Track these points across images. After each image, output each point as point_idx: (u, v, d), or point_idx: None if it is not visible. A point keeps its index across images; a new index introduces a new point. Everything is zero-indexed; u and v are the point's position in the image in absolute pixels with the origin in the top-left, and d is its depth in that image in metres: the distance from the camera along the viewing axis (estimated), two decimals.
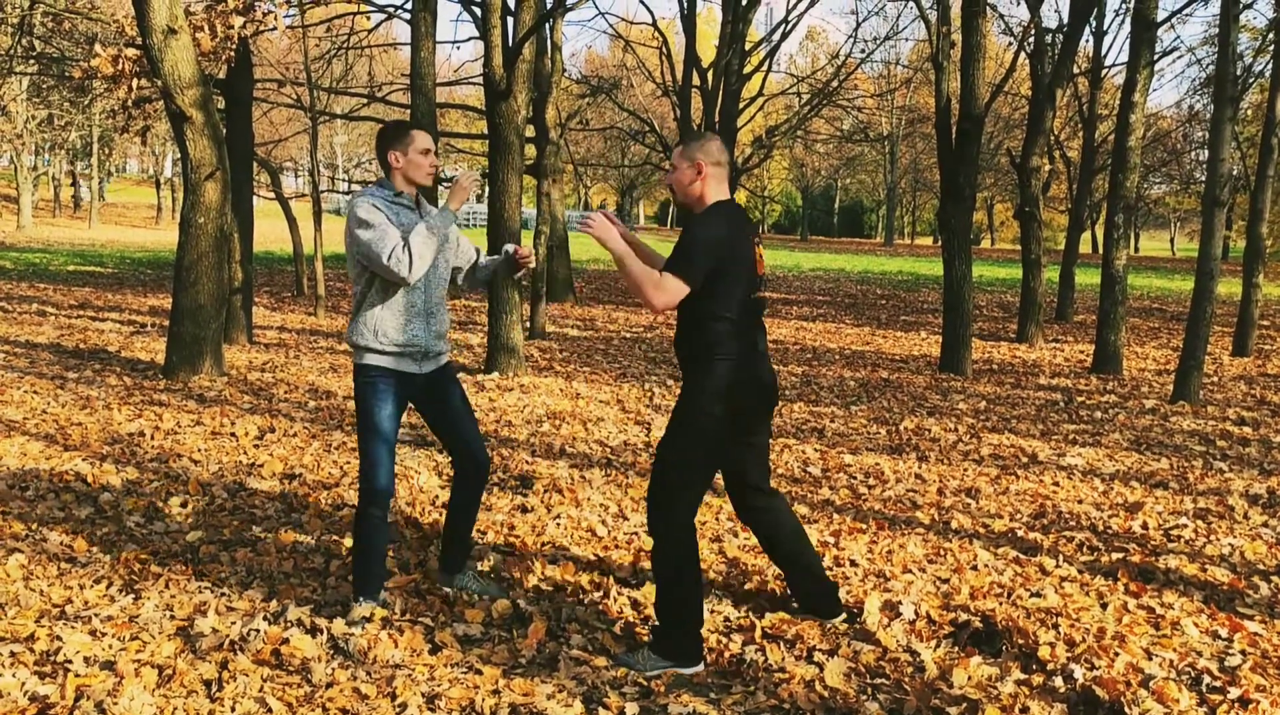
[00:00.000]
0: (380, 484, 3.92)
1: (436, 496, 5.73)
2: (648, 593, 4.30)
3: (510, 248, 4.23)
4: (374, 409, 3.93)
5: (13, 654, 3.56)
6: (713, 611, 4.15)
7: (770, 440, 4.12)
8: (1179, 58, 29.21)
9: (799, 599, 4.15)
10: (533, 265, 4.24)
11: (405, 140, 3.93)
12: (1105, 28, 17.74)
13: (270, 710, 3.26)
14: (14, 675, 3.39)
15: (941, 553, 5.00)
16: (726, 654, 3.82)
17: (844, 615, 4.12)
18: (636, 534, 5.17)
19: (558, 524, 5.28)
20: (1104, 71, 18.54)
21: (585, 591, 4.36)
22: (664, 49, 20.04)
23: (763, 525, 4.04)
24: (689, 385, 3.72)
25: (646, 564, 4.71)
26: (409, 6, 13.69)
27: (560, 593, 4.34)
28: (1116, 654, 3.79)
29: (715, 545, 5.01)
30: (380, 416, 3.93)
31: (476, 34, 15.34)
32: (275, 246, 31.46)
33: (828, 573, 4.61)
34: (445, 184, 16.78)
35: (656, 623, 3.73)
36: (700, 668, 3.67)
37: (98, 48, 10.83)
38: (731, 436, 3.75)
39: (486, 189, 11.21)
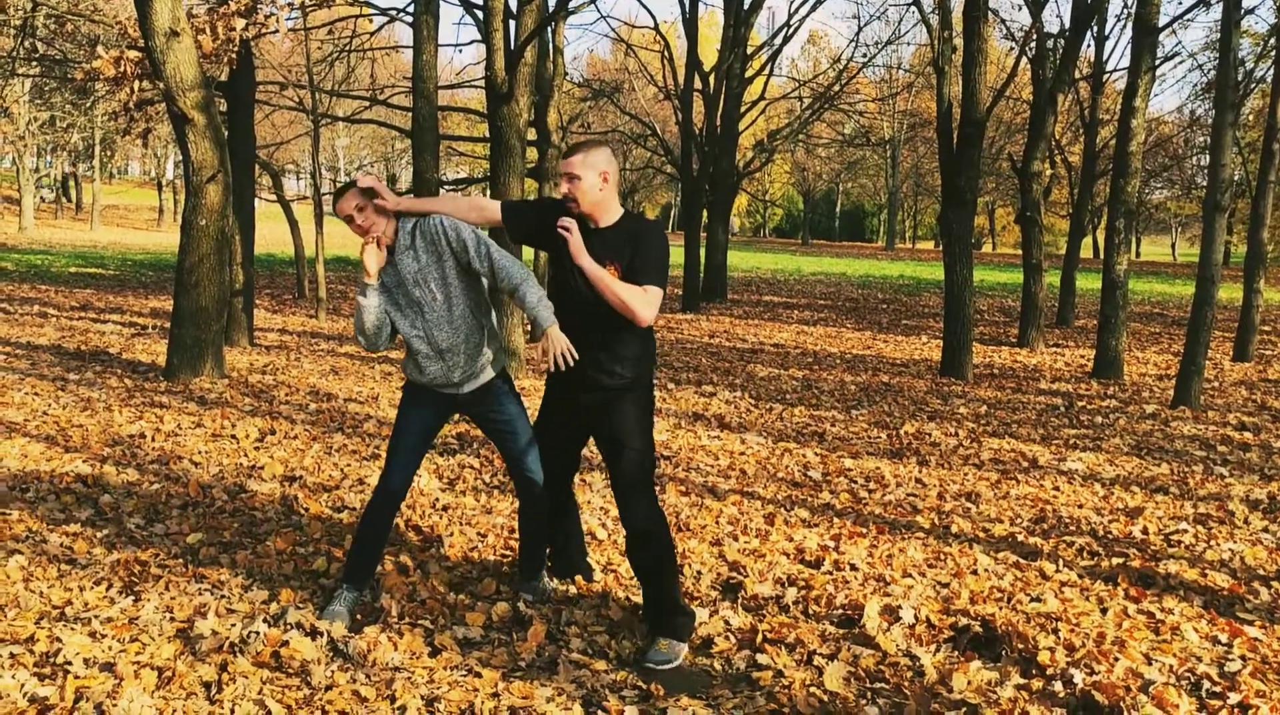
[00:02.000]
0: (390, 484, 4.01)
1: (437, 500, 5.73)
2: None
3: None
4: (401, 414, 4.07)
5: (12, 655, 3.56)
6: (713, 615, 4.15)
7: None
8: (1180, 63, 29.28)
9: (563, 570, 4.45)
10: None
11: (340, 208, 3.89)
12: (1107, 33, 17.76)
13: (270, 712, 3.26)
14: (14, 677, 3.39)
15: (941, 557, 5.00)
16: (726, 657, 3.81)
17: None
18: None
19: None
20: (1105, 76, 18.56)
21: (584, 595, 4.36)
22: (666, 53, 20.07)
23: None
24: (637, 384, 3.82)
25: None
26: (411, 9, 13.69)
27: (559, 595, 4.34)
28: (1116, 659, 3.78)
29: (715, 548, 5.01)
30: (404, 421, 4.05)
31: (478, 37, 15.34)
32: (277, 249, 31.49)
33: (827, 576, 4.62)
34: (448, 187, 16.79)
35: (667, 612, 3.82)
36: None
37: (100, 50, 10.84)
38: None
39: (488, 192, 11.20)
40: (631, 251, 3.68)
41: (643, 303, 3.63)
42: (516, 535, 4.38)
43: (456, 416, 4.25)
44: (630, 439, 3.78)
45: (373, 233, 3.86)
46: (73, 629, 3.79)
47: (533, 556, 4.30)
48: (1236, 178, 19.34)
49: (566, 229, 3.68)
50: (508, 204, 4.01)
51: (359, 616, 4.06)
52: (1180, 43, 18.00)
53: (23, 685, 3.35)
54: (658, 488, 6.16)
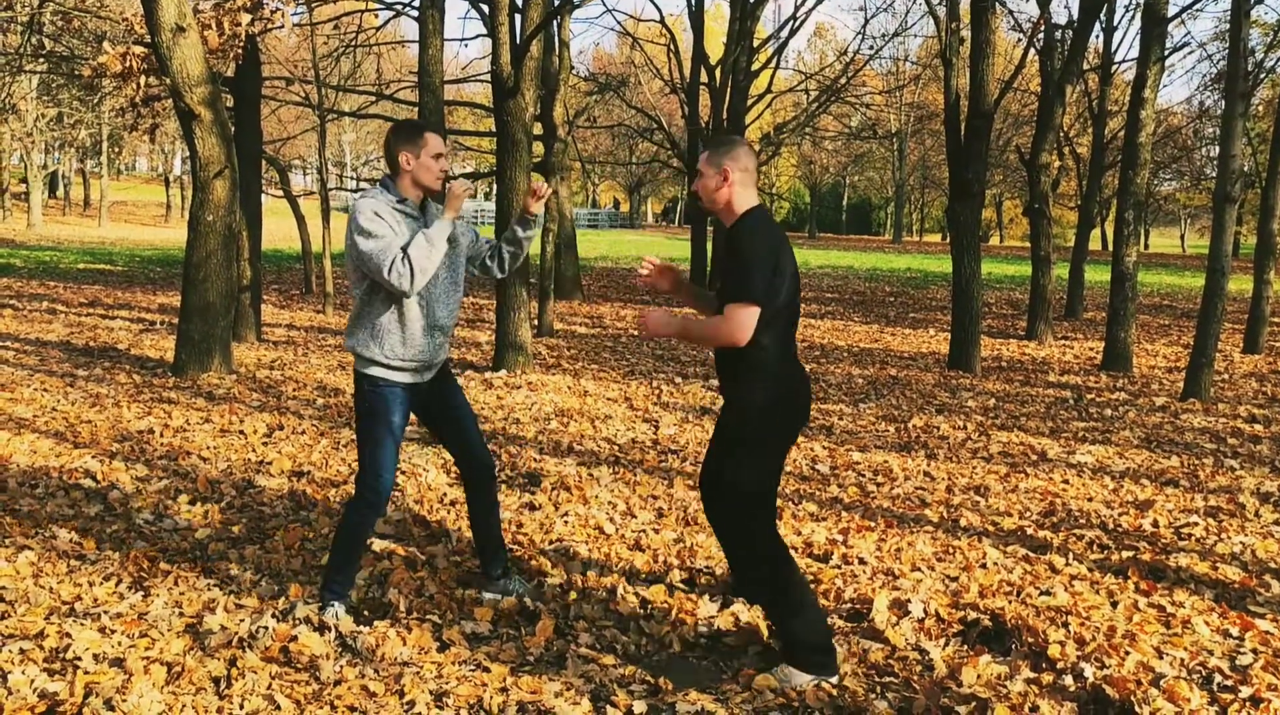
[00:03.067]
0: (385, 493, 3.90)
1: (445, 494, 5.73)
2: (655, 592, 4.29)
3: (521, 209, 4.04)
4: (382, 418, 3.87)
5: (22, 651, 3.57)
6: (722, 609, 4.14)
7: None
8: (1190, 53, 29.13)
9: (743, 586, 4.19)
10: (547, 192, 4.02)
11: (418, 142, 3.80)
12: (1115, 23, 17.70)
13: (279, 707, 3.26)
14: (23, 672, 3.40)
15: (950, 551, 4.99)
16: (734, 651, 3.81)
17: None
18: (644, 532, 5.16)
19: (565, 522, 5.28)
20: (1114, 67, 18.48)
21: (593, 589, 4.36)
22: (672, 46, 20.03)
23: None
24: (742, 404, 3.61)
25: (654, 563, 4.71)
26: (417, 4, 13.69)
27: (568, 591, 4.34)
28: (1127, 653, 3.77)
29: None
30: (388, 426, 3.87)
31: (484, 31, 15.33)
32: (283, 244, 31.53)
33: (835, 570, 4.61)
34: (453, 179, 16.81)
35: (787, 639, 3.61)
36: (836, 677, 3.58)
37: (106, 46, 10.85)
38: (785, 447, 3.69)
39: (494, 187, 11.20)
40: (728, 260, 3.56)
41: (727, 332, 3.46)
42: (476, 537, 4.24)
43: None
44: (731, 471, 3.62)
45: (439, 181, 3.85)
46: (82, 624, 3.80)
47: (499, 546, 4.26)
48: (1246, 168, 19.23)
49: (645, 323, 3.67)
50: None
51: (366, 612, 4.06)
52: (1189, 33, 17.93)
53: (33, 681, 3.36)
54: (665, 482, 6.15)
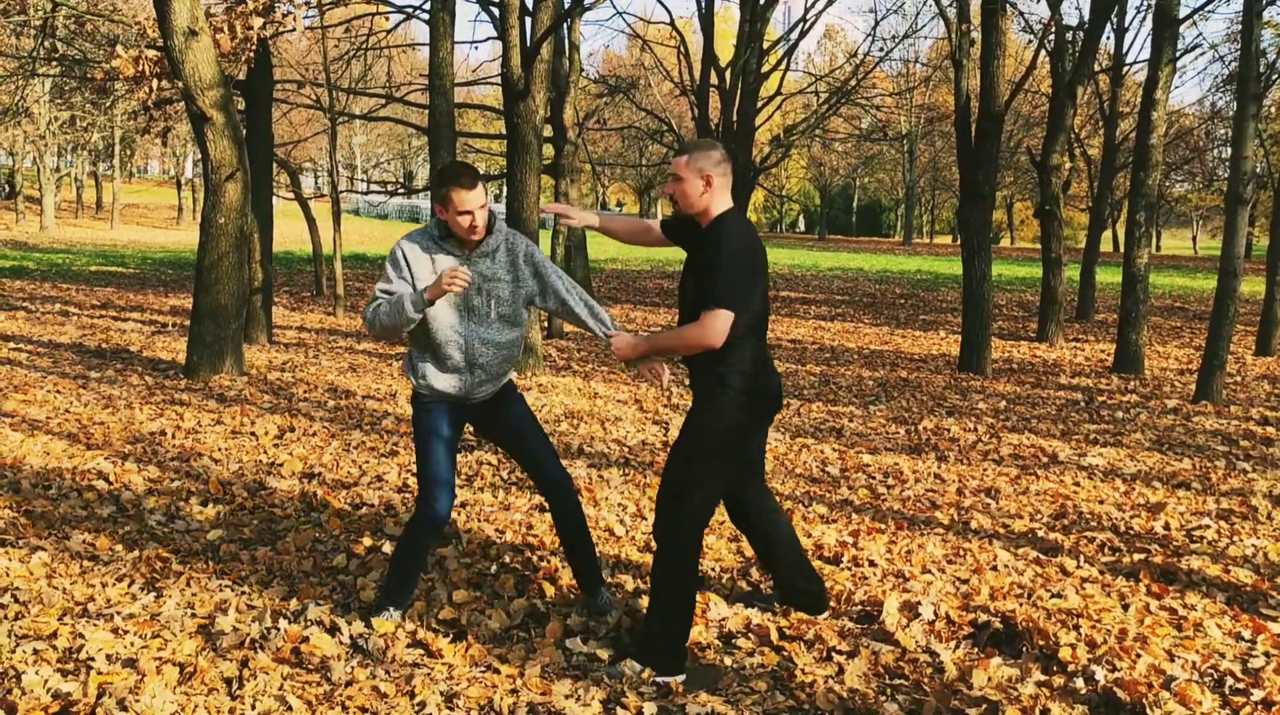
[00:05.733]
0: (439, 510, 3.82)
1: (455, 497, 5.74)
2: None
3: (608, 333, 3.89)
4: (428, 435, 3.84)
5: (36, 651, 3.59)
6: (735, 612, 4.14)
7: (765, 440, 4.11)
8: (1201, 54, 29.05)
9: (788, 595, 4.13)
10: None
11: (445, 196, 3.66)
12: (1126, 25, 17.63)
13: (290, 708, 3.28)
14: (37, 673, 3.42)
15: (961, 553, 4.98)
16: (745, 653, 3.81)
17: (829, 609, 4.15)
18: None
19: None
20: (1125, 69, 18.41)
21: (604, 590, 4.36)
22: (682, 48, 20.02)
23: (762, 523, 4.03)
24: (705, 402, 3.63)
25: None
26: (427, 7, 13.72)
27: (578, 592, 4.34)
28: (1138, 655, 3.76)
29: (733, 544, 5.00)
30: (435, 443, 3.83)
31: (495, 34, 15.35)
32: (295, 247, 31.62)
33: (847, 573, 4.61)
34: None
35: (646, 630, 3.65)
36: (682, 677, 3.59)
37: (119, 49, 10.90)
38: (744, 447, 3.74)
39: (505, 189, 11.22)
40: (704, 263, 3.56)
41: (699, 337, 3.48)
42: (567, 557, 4.14)
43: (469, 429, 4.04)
44: (678, 458, 3.63)
45: (480, 232, 3.72)
46: (95, 625, 3.82)
47: (589, 565, 4.12)
48: (1258, 170, 19.15)
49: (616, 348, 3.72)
50: (664, 223, 3.95)
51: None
52: (1201, 34, 17.82)
53: (46, 681, 3.38)
54: None
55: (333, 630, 3.84)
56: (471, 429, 4.10)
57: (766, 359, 3.71)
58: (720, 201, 3.63)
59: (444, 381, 3.82)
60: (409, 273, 3.73)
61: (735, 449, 3.68)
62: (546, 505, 4.12)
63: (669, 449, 3.78)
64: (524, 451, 4.02)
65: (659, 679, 3.56)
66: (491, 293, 3.79)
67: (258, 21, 10.29)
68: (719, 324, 3.45)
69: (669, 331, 3.61)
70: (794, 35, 19.64)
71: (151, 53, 10.43)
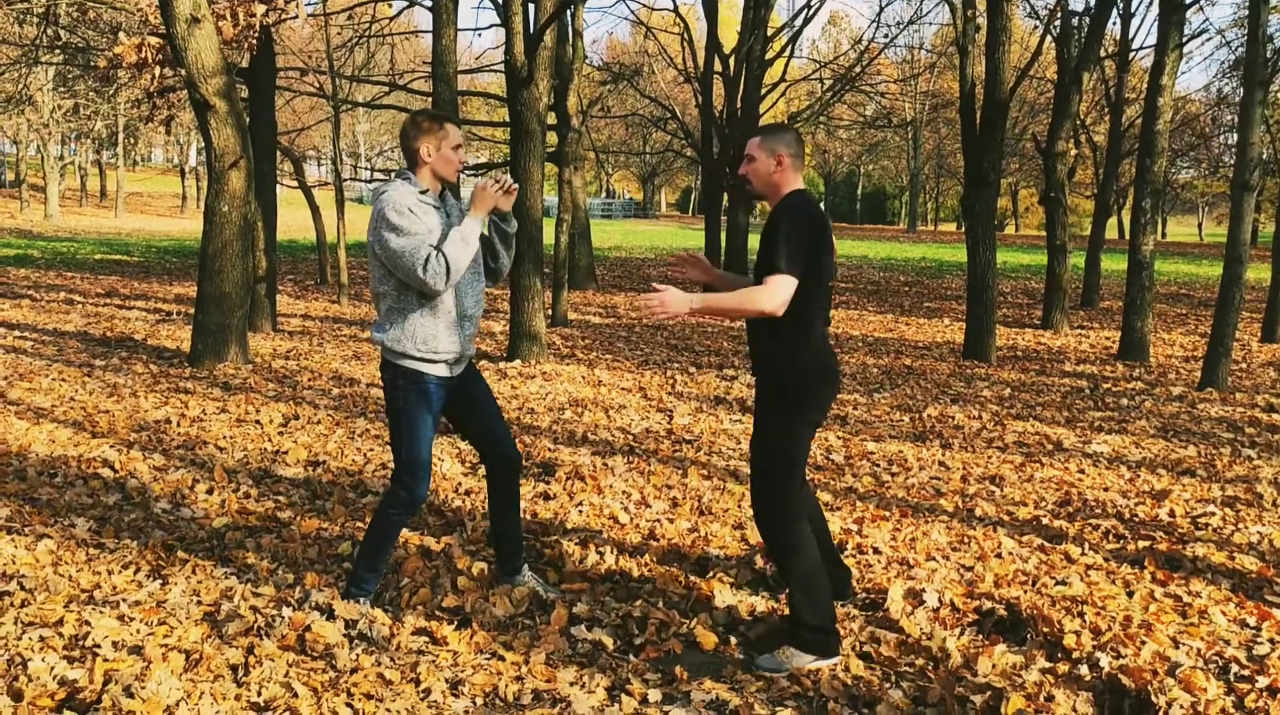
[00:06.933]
0: (421, 492, 3.86)
1: (460, 484, 5.75)
2: (670, 581, 4.30)
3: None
4: (419, 415, 3.83)
5: (42, 638, 3.61)
6: (740, 599, 4.14)
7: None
8: (1208, 40, 28.89)
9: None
10: (514, 187, 3.93)
11: (439, 133, 3.76)
12: (1133, 10, 17.52)
13: (296, 695, 3.29)
14: (43, 660, 3.43)
15: (965, 540, 4.98)
16: (749, 640, 3.81)
17: (854, 597, 4.15)
18: (659, 521, 5.17)
19: (580, 511, 5.29)
20: (1131, 54, 18.32)
21: (608, 579, 4.36)
22: (685, 35, 19.97)
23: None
24: (779, 377, 3.66)
25: (669, 553, 4.72)
26: None
27: (583, 580, 4.35)
28: (1143, 642, 3.76)
29: (738, 532, 5.00)
30: (425, 422, 3.84)
31: (498, 21, 15.30)
32: (298, 235, 31.62)
33: (852, 560, 4.61)
34: (468, 172, 16.80)
35: (793, 619, 3.65)
36: (836, 659, 3.61)
37: (122, 37, 10.89)
38: (817, 422, 3.75)
39: (508, 175, 11.18)
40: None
41: (758, 300, 3.50)
42: (494, 529, 4.19)
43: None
44: (763, 439, 3.71)
45: (458, 173, 3.86)
46: (101, 612, 3.83)
47: (518, 542, 4.21)
48: (1265, 156, 19.06)
49: (653, 307, 3.56)
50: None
51: (383, 600, 4.08)
52: (1208, 19, 17.79)
53: (52, 668, 3.39)
54: (680, 472, 6.16)
55: (337, 617, 3.84)
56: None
57: (827, 339, 3.74)
58: (790, 181, 3.72)
59: (448, 340, 3.81)
60: (420, 219, 3.70)
61: (809, 425, 3.70)
62: (492, 481, 4.13)
63: (751, 438, 3.80)
64: (486, 428, 4.05)
65: (817, 665, 3.56)
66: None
67: (260, 8, 10.27)
68: (780, 290, 3.49)
69: (732, 293, 3.61)
70: (798, 21, 19.58)
71: (154, 40, 10.42)
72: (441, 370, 3.85)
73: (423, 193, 3.79)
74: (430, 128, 3.78)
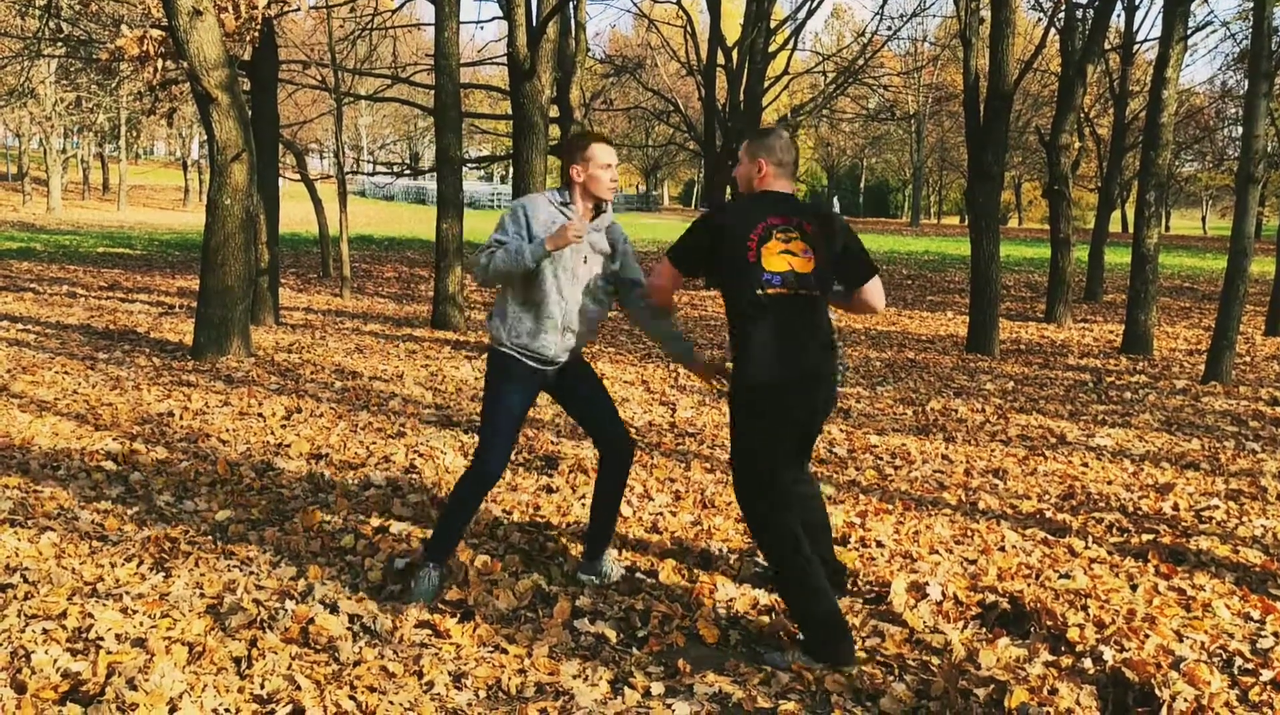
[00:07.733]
0: (491, 467, 3.95)
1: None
2: (672, 574, 4.30)
3: (694, 350, 4.24)
4: (500, 393, 3.95)
5: (45, 631, 3.61)
6: (742, 592, 4.14)
7: (818, 430, 4.03)
8: (1213, 32, 28.76)
9: None
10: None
11: (586, 154, 3.90)
12: (1137, 2, 17.48)
13: (299, 688, 3.29)
14: (46, 652, 3.44)
15: (969, 534, 4.97)
16: (752, 633, 3.81)
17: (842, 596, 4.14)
18: (661, 514, 5.17)
19: (583, 504, 5.29)
20: (1136, 47, 18.26)
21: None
22: (688, 28, 19.93)
23: (799, 487, 4.01)
24: (733, 378, 3.79)
25: (671, 546, 4.72)
26: None
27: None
28: (1147, 636, 3.75)
29: (741, 525, 5.00)
30: (503, 402, 3.94)
31: (500, 14, 15.28)
32: (301, 228, 31.63)
33: (855, 554, 4.60)
34: (470, 165, 16.77)
35: (801, 631, 3.63)
36: (855, 667, 3.52)
37: (124, 29, 10.87)
38: (780, 424, 3.66)
39: (510, 169, 11.19)
40: None
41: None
42: (593, 516, 4.24)
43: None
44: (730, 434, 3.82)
45: (615, 189, 3.98)
46: (104, 605, 3.83)
47: (607, 531, 4.27)
48: (1269, 149, 19.00)
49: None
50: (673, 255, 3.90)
51: (387, 591, 4.08)
52: (1213, 11, 17.70)
53: (55, 660, 3.39)
54: (683, 465, 6.15)
55: (340, 610, 3.84)
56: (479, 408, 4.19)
57: (776, 347, 3.65)
58: (771, 187, 3.78)
59: (540, 342, 3.93)
60: (526, 228, 3.87)
61: (774, 416, 3.68)
62: (600, 468, 4.23)
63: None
64: (592, 419, 4.16)
65: (829, 669, 3.49)
66: (591, 265, 3.98)
67: (262, 1, 10.25)
68: (659, 267, 3.87)
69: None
70: (801, 14, 19.54)
71: (156, 32, 10.40)
72: (533, 361, 3.98)
73: (565, 204, 3.94)
74: (578, 147, 3.93)
